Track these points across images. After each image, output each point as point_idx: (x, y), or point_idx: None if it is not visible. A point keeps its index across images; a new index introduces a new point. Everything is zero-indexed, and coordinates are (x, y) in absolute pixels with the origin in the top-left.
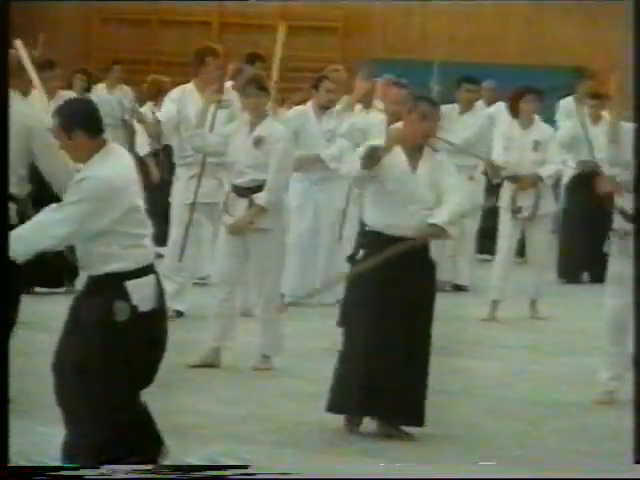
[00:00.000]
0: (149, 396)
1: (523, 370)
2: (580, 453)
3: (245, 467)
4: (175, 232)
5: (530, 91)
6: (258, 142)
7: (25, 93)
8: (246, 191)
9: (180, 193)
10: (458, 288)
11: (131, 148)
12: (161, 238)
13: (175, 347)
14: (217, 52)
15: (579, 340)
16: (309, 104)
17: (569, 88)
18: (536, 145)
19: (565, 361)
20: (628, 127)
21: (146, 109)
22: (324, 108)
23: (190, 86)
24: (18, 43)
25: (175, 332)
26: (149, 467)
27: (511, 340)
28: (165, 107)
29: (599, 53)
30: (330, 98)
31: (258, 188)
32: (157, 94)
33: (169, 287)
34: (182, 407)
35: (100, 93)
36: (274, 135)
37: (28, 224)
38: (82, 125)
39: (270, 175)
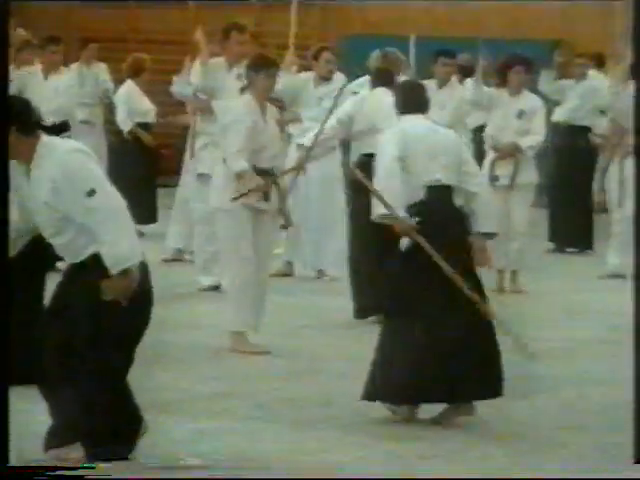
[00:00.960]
0: (131, 373)
1: (505, 344)
2: (564, 428)
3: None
4: (197, 208)
5: (520, 61)
6: (282, 126)
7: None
8: (270, 173)
9: (192, 164)
10: None
11: (112, 123)
12: (150, 215)
13: (157, 324)
14: (243, 28)
15: (561, 313)
16: (310, 73)
17: (548, 61)
18: (521, 114)
19: (547, 335)
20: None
21: (125, 87)
22: (324, 79)
23: (221, 60)
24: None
25: (158, 308)
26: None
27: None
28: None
29: (579, 26)
30: (330, 69)
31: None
32: (137, 72)
33: (197, 262)
34: (164, 384)
35: (77, 71)
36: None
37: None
38: (15, 123)
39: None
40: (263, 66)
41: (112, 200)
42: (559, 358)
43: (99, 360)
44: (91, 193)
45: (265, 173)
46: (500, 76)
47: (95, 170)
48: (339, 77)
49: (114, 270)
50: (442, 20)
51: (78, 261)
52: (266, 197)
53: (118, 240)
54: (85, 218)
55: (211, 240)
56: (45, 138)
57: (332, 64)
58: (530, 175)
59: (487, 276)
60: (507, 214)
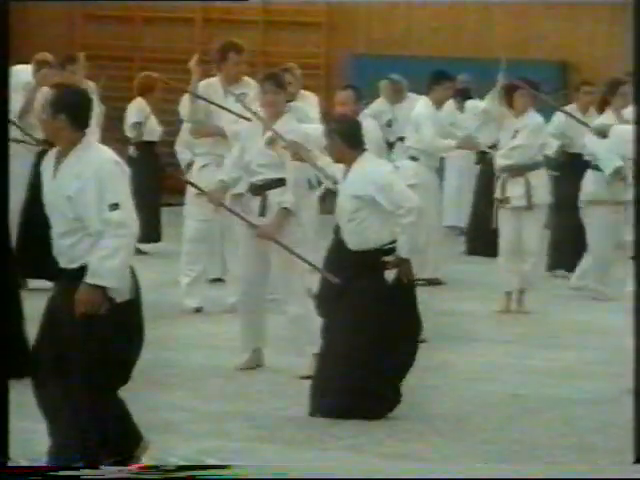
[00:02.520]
0: (135, 392)
1: (508, 364)
2: (565, 447)
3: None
4: (189, 226)
5: (525, 84)
6: (271, 142)
7: None
8: (260, 189)
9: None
10: (432, 282)
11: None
12: (154, 233)
13: (161, 343)
14: (240, 48)
15: (564, 334)
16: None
17: (553, 82)
18: (515, 134)
19: (550, 355)
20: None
21: (134, 105)
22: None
23: (215, 80)
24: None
25: (163, 328)
26: (148, 468)
27: (496, 334)
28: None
29: (583, 46)
30: (290, 91)
31: (270, 186)
32: (147, 90)
33: (183, 282)
34: (168, 403)
35: None
36: (288, 135)
37: (110, 253)
38: (65, 111)
39: (288, 176)
40: (260, 82)
41: (129, 222)
42: (562, 377)
43: (92, 374)
44: (114, 207)
45: (250, 187)
46: (506, 98)
47: (125, 187)
48: (311, 99)
49: (90, 279)
50: (447, 40)
51: (71, 267)
52: (262, 212)
53: (112, 257)
54: (98, 226)
55: (200, 260)
56: (90, 138)
57: (291, 86)
58: (543, 196)
59: (492, 297)
60: (519, 235)
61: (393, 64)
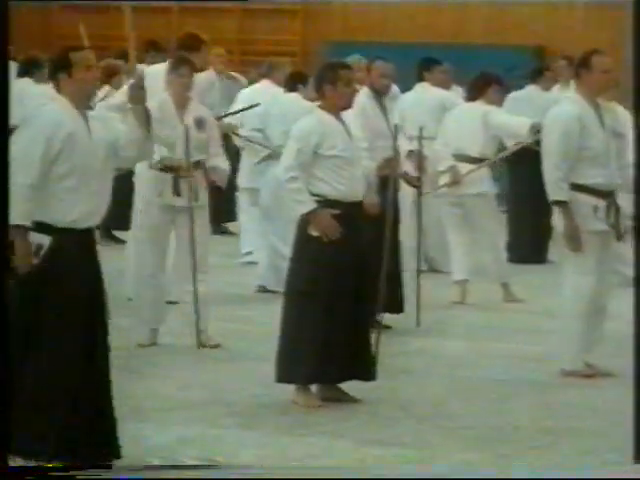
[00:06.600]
0: (113, 380)
1: (488, 349)
2: (546, 431)
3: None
4: None
5: (496, 81)
6: (200, 124)
7: None
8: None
9: None
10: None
11: None
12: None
13: (137, 331)
14: (207, 42)
15: (542, 319)
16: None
17: (528, 67)
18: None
19: (529, 339)
20: None
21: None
22: None
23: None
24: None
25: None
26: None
27: (475, 320)
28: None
29: (559, 32)
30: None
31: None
32: (111, 78)
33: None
34: (145, 391)
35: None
36: (210, 118)
37: None
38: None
39: (220, 157)
40: (175, 66)
41: None
42: (542, 362)
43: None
44: None
45: (176, 167)
46: (478, 90)
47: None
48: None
49: None
50: (424, 26)
51: None
52: (177, 192)
53: None
54: None
55: None
56: None
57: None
58: (484, 185)
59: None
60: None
61: (370, 51)
